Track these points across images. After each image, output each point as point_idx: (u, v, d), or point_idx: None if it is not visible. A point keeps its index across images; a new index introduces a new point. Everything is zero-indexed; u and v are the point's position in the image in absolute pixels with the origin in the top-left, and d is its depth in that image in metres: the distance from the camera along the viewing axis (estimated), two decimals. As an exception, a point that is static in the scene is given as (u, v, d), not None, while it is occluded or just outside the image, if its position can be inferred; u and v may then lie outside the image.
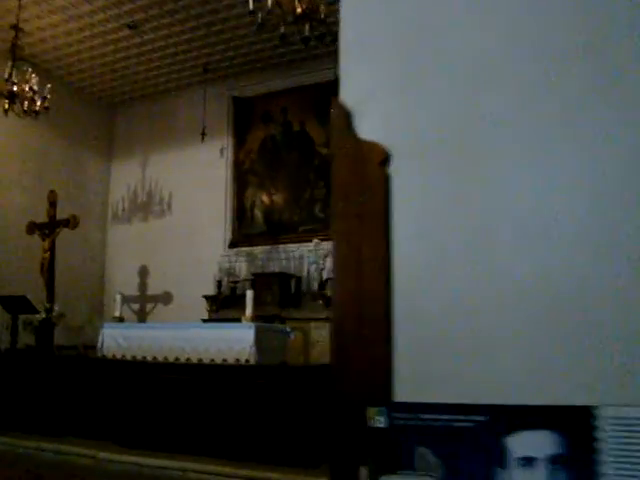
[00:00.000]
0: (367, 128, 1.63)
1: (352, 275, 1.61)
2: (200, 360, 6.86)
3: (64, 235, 9.15)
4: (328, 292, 8.79)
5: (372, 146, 1.58)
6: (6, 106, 7.86)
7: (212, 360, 6.83)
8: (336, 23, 6.24)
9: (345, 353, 1.63)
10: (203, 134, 9.74)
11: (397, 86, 1.65)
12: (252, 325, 6.88)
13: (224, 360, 6.77)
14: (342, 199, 1.64)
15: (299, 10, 6.43)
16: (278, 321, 8.67)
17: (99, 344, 7.83)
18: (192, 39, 9.51)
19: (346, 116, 1.62)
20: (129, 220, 11.35)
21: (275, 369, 6.05)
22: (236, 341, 6.78)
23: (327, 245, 9.20)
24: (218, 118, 10.58)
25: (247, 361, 6.68)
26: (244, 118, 10.53)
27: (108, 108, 11.80)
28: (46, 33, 9.36)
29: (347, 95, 1.67)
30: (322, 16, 6.53)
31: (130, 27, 9.20)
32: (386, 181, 1.61)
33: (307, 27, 6.63)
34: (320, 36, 6.85)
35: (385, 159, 1.59)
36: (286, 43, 9.43)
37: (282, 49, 9.77)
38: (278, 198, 10.08)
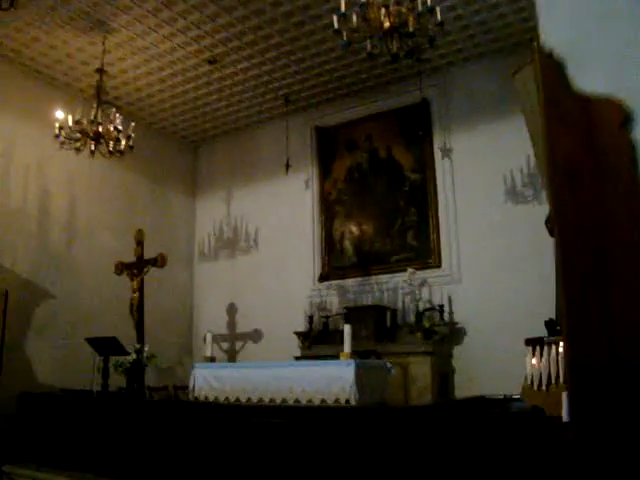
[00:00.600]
0: (591, 79, 1.09)
1: (594, 295, 1.07)
2: (297, 401, 6.36)
3: (152, 275, 8.91)
4: (426, 324, 8.22)
5: (604, 104, 1.05)
6: (92, 147, 7.70)
7: (309, 401, 6.32)
8: (425, 35, 5.72)
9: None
10: (287, 166, 9.38)
11: (633, 14, 1.10)
12: (351, 362, 6.35)
13: (322, 401, 6.26)
14: (566, 182, 1.11)
15: (387, 24, 5.97)
16: (374, 356, 8.09)
17: (191, 385, 7.47)
18: (272, 70, 9.22)
19: (557, 66, 1.09)
20: (216, 257, 11.07)
21: (383, 412, 5.45)
22: (335, 379, 6.26)
23: (422, 274, 8.64)
24: (301, 149, 10.22)
25: (347, 401, 6.14)
26: (328, 148, 10.14)
27: (191, 145, 11.67)
28: (129, 75, 9.27)
29: (552, 36, 1.14)
30: (411, 29, 6.04)
31: (210, 62, 8.98)
32: (632, 149, 1.06)
33: (395, 43, 6.15)
34: (409, 52, 6.34)
35: (626, 120, 1.05)
36: (369, 67, 9.05)
37: (364, 75, 9.38)
38: (368, 228, 9.58)
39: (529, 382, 5.27)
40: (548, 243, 6.77)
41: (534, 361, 5.28)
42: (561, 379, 5.16)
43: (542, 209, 7.85)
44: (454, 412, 5.78)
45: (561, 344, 5.27)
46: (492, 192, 8.55)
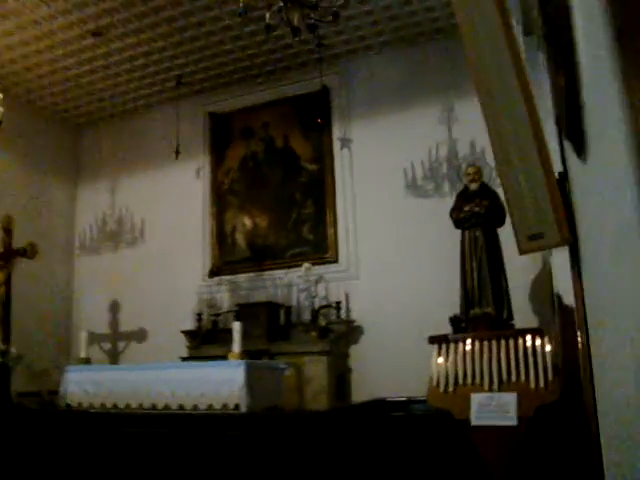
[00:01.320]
0: None
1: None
2: (181, 407, 5.65)
3: (25, 268, 7.94)
4: (322, 322, 7.72)
5: None
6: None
7: (194, 407, 5.62)
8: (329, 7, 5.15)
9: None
10: (177, 152, 8.58)
11: None
12: (241, 362, 5.73)
13: (209, 406, 5.57)
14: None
15: (288, -8, 5.36)
16: (267, 357, 7.51)
17: (62, 390, 6.61)
18: (164, 48, 8.42)
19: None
20: (98, 250, 10.09)
21: (276, 419, 4.83)
22: (223, 382, 5.61)
23: (318, 270, 8.15)
24: (193, 136, 9.47)
25: (237, 406, 5.49)
26: (222, 135, 9.43)
27: (74, 128, 10.58)
28: (0, 43, 8.18)
29: None
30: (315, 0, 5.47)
31: (95, 35, 8.08)
32: None
33: (296, 15, 5.55)
34: (311, 27, 5.76)
35: None
36: (268, 50, 8.44)
37: (262, 58, 8.74)
38: (262, 220, 8.95)
39: (435, 383, 4.81)
40: (451, 237, 6.43)
41: (440, 360, 4.83)
42: (469, 379, 4.72)
43: (444, 203, 7.62)
44: (353, 417, 5.26)
45: (468, 342, 4.86)
46: (392, 185, 8.20)
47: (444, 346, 5.02)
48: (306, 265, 8.09)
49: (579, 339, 2.32)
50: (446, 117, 8.13)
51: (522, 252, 2.24)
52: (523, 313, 6.46)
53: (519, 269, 6.19)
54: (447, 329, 5.73)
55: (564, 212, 2.04)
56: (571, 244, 2.11)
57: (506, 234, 5.99)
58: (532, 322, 6.60)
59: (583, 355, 2.26)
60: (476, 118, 7.66)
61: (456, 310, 5.88)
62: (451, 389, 4.72)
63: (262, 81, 9.20)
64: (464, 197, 6.08)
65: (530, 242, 2.11)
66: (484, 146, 7.57)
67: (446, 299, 6.57)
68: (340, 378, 7.74)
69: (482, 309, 5.55)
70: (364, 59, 8.74)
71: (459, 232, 6.07)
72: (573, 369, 4.77)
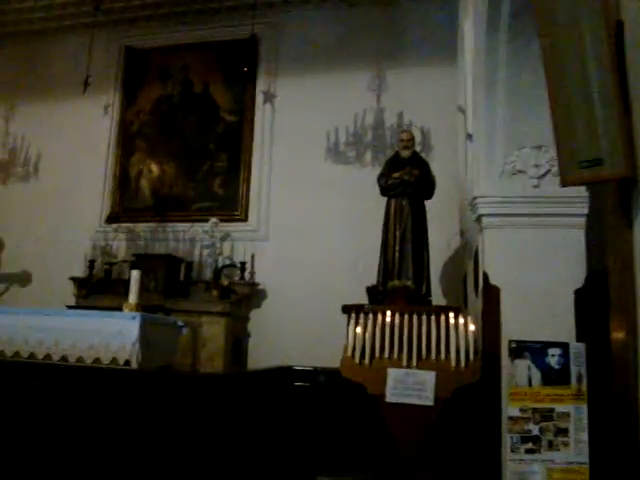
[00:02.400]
0: None
1: None
2: (64, 358, 4.97)
3: None
4: (224, 282, 7.20)
5: None
6: None
7: (80, 359, 4.96)
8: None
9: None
10: (86, 84, 7.69)
11: None
12: (137, 315, 5.10)
13: (96, 360, 4.93)
14: None
15: None
16: (162, 313, 6.87)
17: None
18: (81, -35, 7.49)
19: None
20: (-17, 181, 9.03)
21: (171, 379, 4.27)
22: (115, 335, 4.97)
23: (225, 227, 7.65)
24: (105, 70, 8.58)
25: (127, 362, 4.87)
26: (137, 72, 8.61)
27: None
28: None
29: None
30: None
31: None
32: None
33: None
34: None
35: None
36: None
37: (190, -6, 7.97)
38: (170, 168, 8.25)
39: (350, 353, 4.40)
40: (371, 207, 6.08)
41: (359, 330, 4.42)
42: (386, 352, 4.34)
43: (364, 172, 7.38)
44: (255, 383, 4.78)
45: (388, 313, 4.47)
46: (313, 148, 7.78)
47: (361, 316, 4.62)
48: (213, 220, 7.54)
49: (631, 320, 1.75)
50: (377, 85, 7.77)
51: (567, 183, 1.80)
52: (434, 292, 6.16)
53: (432, 249, 5.88)
54: (359, 301, 5.32)
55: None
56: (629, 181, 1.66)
57: (432, 208, 5.77)
58: (441, 302, 6.35)
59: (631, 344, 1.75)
60: (406, 89, 7.76)
61: (370, 282, 5.49)
62: (367, 361, 4.34)
63: (188, 21, 8.45)
64: (394, 164, 5.73)
65: (582, 171, 1.69)
66: (411, 118, 7.27)
67: (359, 269, 6.23)
68: (238, 342, 7.27)
69: (402, 282, 5.22)
70: (299, 12, 8.20)
71: (378, 202, 5.76)
72: (492, 351, 4.52)
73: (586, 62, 1.65)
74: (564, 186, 1.83)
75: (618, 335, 1.80)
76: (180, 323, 5.83)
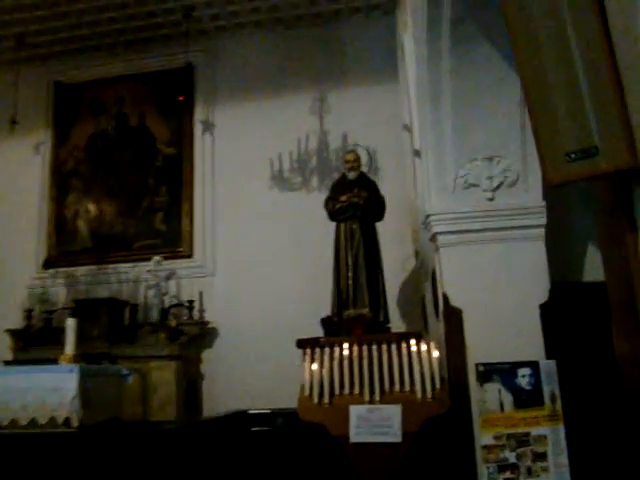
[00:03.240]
0: None
1: None
2: (-6, 421, 4.52)
3: None
4: (172, 323, 6.85)
5: None
6: None
7: (12, 421, 4.51)
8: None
9: None
10: (14, 122, 7.30)
11: None
12: (74, 367, 4.68)
13: (32, 420, 4.49)
14: None
15: None
16: (107, 361, 6.45)
17: None
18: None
19: None
20: None
21: (115, 439, 3.87)
22: (52, 391, 4.54)
23: (170, 264, 7.37)
24: (34, 107, 8.19)
25: (67, 421, 4.45)
26: (68, 108, 8.20)
27: None
28: None
29: None
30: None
31: None
32: None
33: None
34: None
35: None
36: (128, 16, 7.41)
37: (121, 25, 7.69)
38: (108, 207, 7.86)
39: (307, 393, 4.08)
40: (321, 233, 5.86)
41: (314, 367, 4.10)
42: (346, 389, 4.03)
43: (312, 197, 7.20)
44: (208, 433, 4.42)
45: (345, 346, 4.18)
46: (257, 177, 7.54)
47: (317, 351, 4.33)
48: (156, 258, 7.26)
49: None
50: (319, 107, 7.59)
51: (555, 181, 1.49)
52: (392, 318, 5.90)
53: (387, 273, 5.63)
54: (316, 333, 5.02)
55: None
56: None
57: (383, 231, 5.54)
58: (400, 328, 6.10)
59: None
60: (349, 110, 7.57)
61: (325, 313, 5.20)
62: (326, 400, 4.01)
63: (119, 52, 8.14)
64: (341, 186, 5.49)
65: (571, 165, 1.38)
66: (356, 139, 7.07)
67: (314, 300, 5.95)
68: (191, 386, 6.85)
69: (357, 310, 4.95)
70: (235, 38, 8.00)
71: (328, 228, 5.52)
72: (459, 377, 4.26)
73: (563, 25, 1.37)
74: (551, 186, 1.54)
75: (623, 349, 1.55)
76: (125, 371, 5.42)
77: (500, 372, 3.75)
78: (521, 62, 1.52)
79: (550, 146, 1.41)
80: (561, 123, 1.39)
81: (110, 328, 6.94)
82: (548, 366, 3.78)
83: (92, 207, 7.91)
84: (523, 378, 3.74)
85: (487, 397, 3.73)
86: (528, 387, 3.71)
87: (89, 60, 8.24)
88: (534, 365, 3.75)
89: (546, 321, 4.26)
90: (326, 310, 5.22)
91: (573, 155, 1.37)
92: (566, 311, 4.42)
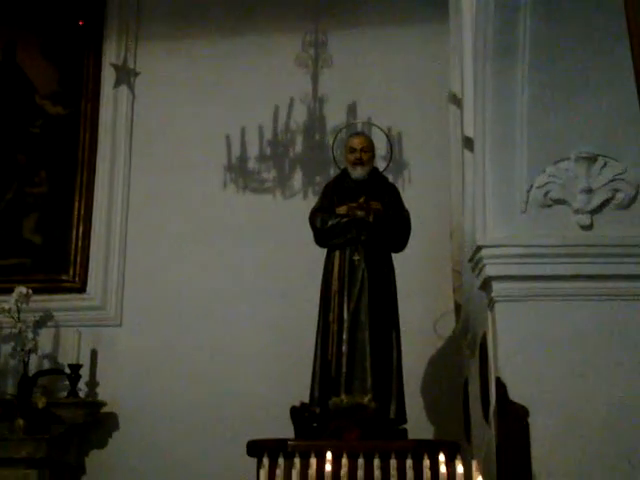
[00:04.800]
0: None
1: None
2: None
3: None
4: (39, 402, 6.94)
5: None
6: None
7: None
8: None
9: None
10: None
11: None
12: None
13: None
14: None
15: None
16: None
17: None
18: None
19: None
20: None
21: None
22: None
23: (45, 301, 7.52)
24: None
25: None
26: None
27: None
28: None
29: None
30: None
31: None
32: None
33: None
34: None
35: None
36: None
37: None
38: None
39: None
40: (303, 264, 6.11)
41: (272, 486, 4.13)
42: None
43: (290, 205, 7.47)
44: None
45: (328, 457, 4.20)
46: (203, 165, 7.79)
47: (281, 462, 4.34)
48: (21, 291, 7.27)
49: None
50: (312, 55, 7.84)
51: None
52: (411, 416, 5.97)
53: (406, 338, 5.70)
54: (282, 432, 5.06)
55: None
56: None
57: (405, 268, 5.59)
58: (423, 433, 6.13)
59: None
60: (362, 64, 7.67)
61: (303, 396, 5.31)
62: None
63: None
64: (339, 190, 5.66)
65: None
66: (370, 114, 7.14)
67: (284, 377, 6.21)
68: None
69: (353, 398, 5.01)
70: None
71: (315, 256, 5.73)
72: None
73: None
74: None
75: None
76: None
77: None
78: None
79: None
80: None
81: None
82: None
83: None
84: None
85: None
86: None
87: None
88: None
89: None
90: (302, 394, 5.32)
91: None
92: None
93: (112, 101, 7.98)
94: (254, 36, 7.82)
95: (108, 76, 8.01)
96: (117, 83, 7.96)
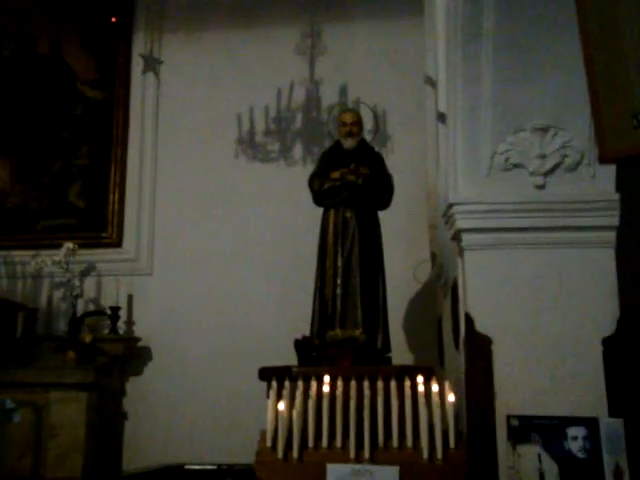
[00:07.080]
0: None
1: None
2: None
3: None
4: (87, 337, 7.02)
5: None
6: None
7: None
8: None
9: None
10: None
11: None
12: None
13: None
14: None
15: None
16: (-14, 391, 6.52)
17: None
18: None
19: None
20: None
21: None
22: None
23: (88, 255, 7.58)
24: None
25: None
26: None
27: None
28: None
29: None
30: None
31: None
32: None
33: None
34: None
35: None
36: None
37: None
38: (2, 168, 8.06)
39: (269, 443, 4.14)
40: (303, 222, 6.19)
41: (282, 406, 4.17)
42: (324, 440, 4.11)
43: (292, 172, 7.44)
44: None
45: (325, 379, 4.28)
46: (218, 139, 7.78)
47: (287, 385, 4.45)
48: (68, 246, 7.30)
49: None
50: (309, 46, 7.81)
51: (612, 155, 1.50)
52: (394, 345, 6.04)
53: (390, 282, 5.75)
54: (287, 361, 5.14)
55: None
56: None
57: (389, 223, 5.65)
58: (405, 359, 6.24)
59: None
60: (352, 52, 7.65)
61: (305, 331, 5.38)
62: (295, 455, 4.09)
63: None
64: (334, 158, 5.64)
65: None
66: (359, 94, 7.17)
67: (288, 315, 6.24)
68: (107, 429, 7.01)
69: (346, 331, 5.10)
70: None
71: (313, 215, 5.72)
72: (483, 433, 4.34)
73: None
74: (604, 161, 1.56)
75: None
76: (9, 404, 5.44)
77: (542, 430, 3.81)
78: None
79: (610, 105, 1.42)
80: (630, 75, 1.41)
81: (-5, 342, 7.12)
82: (612, 426, 3.76)
83: (-26, 169, 8.15)
84: (575, 441, 3.75)
85: (522, 464, 3.80)
86: (581, 455, 3.71)
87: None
88: (591, 423, 3.76)
89: (611, 362, 4.36)
90: (304, 328, 5.38)
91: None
92: (640, 349, 4.53)
93: (141, 86, 7.99)
94: (259, 29, 7.80)
95: (137, 65, 8.01)
96: (145, 70, 7.95)
